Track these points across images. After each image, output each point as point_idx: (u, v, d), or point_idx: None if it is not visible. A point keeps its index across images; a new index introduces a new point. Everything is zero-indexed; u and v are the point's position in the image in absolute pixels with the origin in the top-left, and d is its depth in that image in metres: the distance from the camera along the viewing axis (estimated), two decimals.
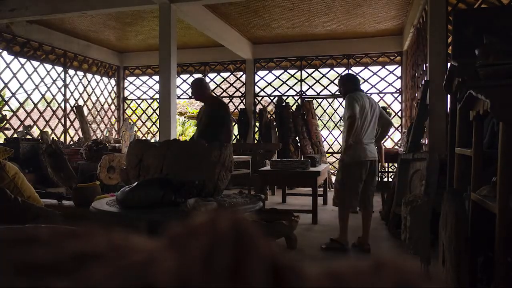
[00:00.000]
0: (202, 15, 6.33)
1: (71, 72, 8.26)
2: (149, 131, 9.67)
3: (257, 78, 8.80)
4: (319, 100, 8.90)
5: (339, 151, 5.66)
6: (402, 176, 4.39)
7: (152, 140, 8.93)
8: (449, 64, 3.36)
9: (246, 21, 7.05)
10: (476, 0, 4.81)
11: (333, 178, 6.24)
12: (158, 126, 7.64)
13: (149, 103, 9.70)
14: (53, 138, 6.43)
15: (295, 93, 8.71)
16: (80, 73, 8.57)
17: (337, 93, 8.36)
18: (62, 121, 8.05)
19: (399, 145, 6.51)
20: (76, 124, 8.12)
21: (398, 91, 8.12)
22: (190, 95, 8.46)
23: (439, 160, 3.83)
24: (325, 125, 9.22)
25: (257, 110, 8.57)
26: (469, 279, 1.86)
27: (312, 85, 8.79)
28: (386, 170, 7.61)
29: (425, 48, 5.16)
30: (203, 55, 8.87)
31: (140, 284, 0.22)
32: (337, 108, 8.55)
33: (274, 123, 8.12)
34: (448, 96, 4.33)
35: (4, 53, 6.83)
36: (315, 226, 4.55)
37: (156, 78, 9.09)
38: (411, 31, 6.36)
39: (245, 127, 8.35)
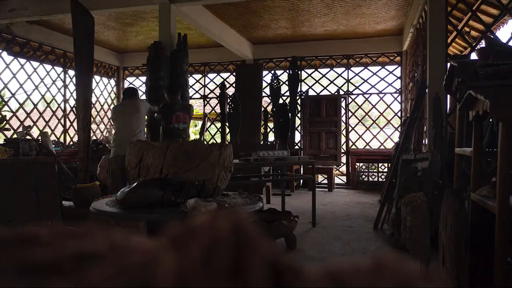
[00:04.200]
0: (202, 15, 6.33)
1: (71, 72, 8.25)
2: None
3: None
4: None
5: None
6: (403, 176, 4.38)
7: None
8: (448, 64, 3.36)
9: (246, 21, 7.05)
10: (475, 0, 4.81)
11: None
12: None
13: None
14: (39, 141, 6.23)
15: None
16: None
17: (335, 93, 8.38)
18: (62, 121, 8.05)
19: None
20: (76, 124, 8.11)
21: (397, 91, 8.12)
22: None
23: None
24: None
25: None
26: (469, 279, 1.86)
27: (312, 85, 8.79)
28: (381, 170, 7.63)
29: (424, 48, 5.17)
30: (203, 55, 8.88)
31: (140, 285, 0.22)
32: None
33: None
34: (448, 96, 4.34)
35: (4, 54, 6.84)
36: (315, 225, 4.55)
37: None
38: (411, 31, 6.36)
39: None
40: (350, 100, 8.38)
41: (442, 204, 2.22)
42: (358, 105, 8.55)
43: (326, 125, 8.08)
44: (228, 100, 7.86)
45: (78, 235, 0.25)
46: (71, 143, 7.95)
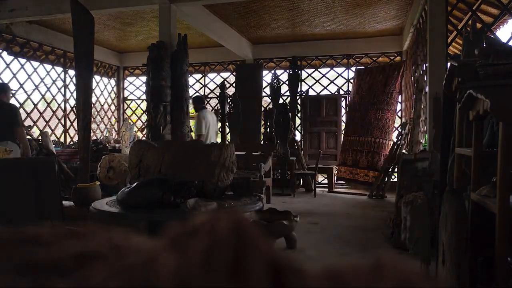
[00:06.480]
0: (202, 15, 6.33)
1: (71, 72, 8.25)
2: None
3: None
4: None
5: None
6: (403, 176, 4.38)
7: None
8: (448, 64, 3.36)
9: (246, 21, 7.05)
10: (476, 0, 4.81)
11: None
12: None
13: None
14: (39, 141, 6.25)
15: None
16: None
17: (336, 93, 8.38)
18: (62, 121, 8.05)
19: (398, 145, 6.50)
20: (76, 124, 8.10)
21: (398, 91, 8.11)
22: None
23: None
24: None
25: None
26: (469, 279, 1.86)
27: (312, 85, 8.78)
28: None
29: (424, 48, 5.16)
30: (203, 55, 8.87)
31: (140, 284, 0.22)
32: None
33: None
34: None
35: (4, 54, 6.84)
36: (315, 225, 4.55)
37: None
38: (411, 31, 6.36)
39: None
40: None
41: (442, 204, 2.22)
42: None
43: (326, 125, 8.08)
44: (228, 100, 7.86)
45: (78, 235, 0.25)
46: (71, 143, 7.95)
